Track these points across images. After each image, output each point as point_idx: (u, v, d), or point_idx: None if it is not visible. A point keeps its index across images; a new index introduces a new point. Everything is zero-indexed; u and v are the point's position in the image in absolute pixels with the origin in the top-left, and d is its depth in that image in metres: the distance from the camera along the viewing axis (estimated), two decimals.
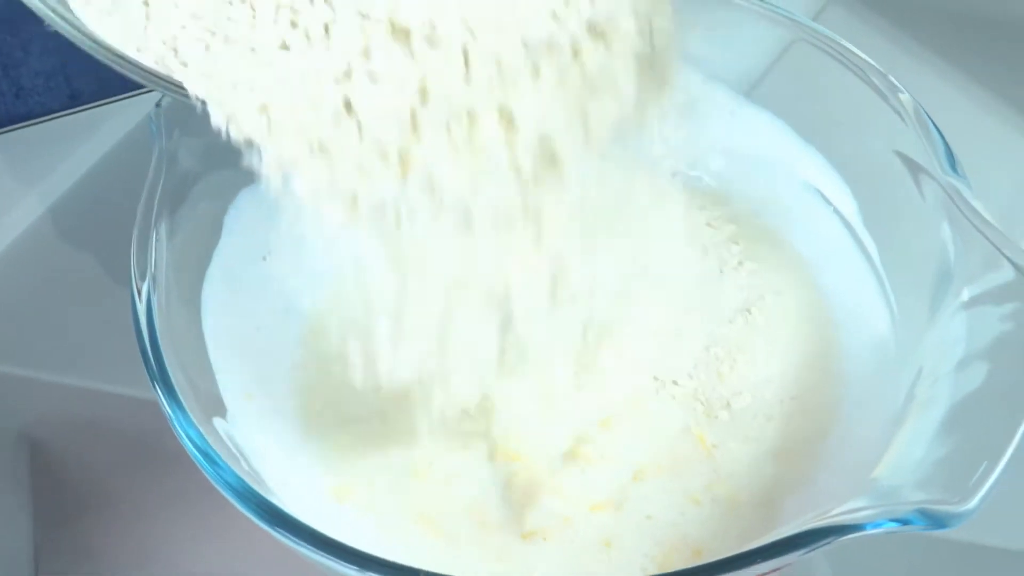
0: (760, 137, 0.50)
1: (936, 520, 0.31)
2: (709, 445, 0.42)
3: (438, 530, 0.40)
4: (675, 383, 0.44)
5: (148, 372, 0.36)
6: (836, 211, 0.47)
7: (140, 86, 0.61)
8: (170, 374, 0.36)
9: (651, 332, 0.44)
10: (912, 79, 0.45)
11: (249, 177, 0.46)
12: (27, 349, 0.53)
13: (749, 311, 0.46)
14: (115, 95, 0.63)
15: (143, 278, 0.38)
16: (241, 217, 0.45)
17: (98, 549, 0.47)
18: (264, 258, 0.46)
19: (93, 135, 0.62)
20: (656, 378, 0.44)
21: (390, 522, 0.40)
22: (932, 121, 0.42)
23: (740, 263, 0.47)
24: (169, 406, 0.36)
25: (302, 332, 0.46)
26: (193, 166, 0.44)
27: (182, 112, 0.44)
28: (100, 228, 0.58)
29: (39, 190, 0.60)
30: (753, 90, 0.51)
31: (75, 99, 0.64)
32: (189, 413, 0.36)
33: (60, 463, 0.49)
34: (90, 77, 0.63)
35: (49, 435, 0.50)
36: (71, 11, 0.35)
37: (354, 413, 0.43)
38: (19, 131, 0.63)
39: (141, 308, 0.37)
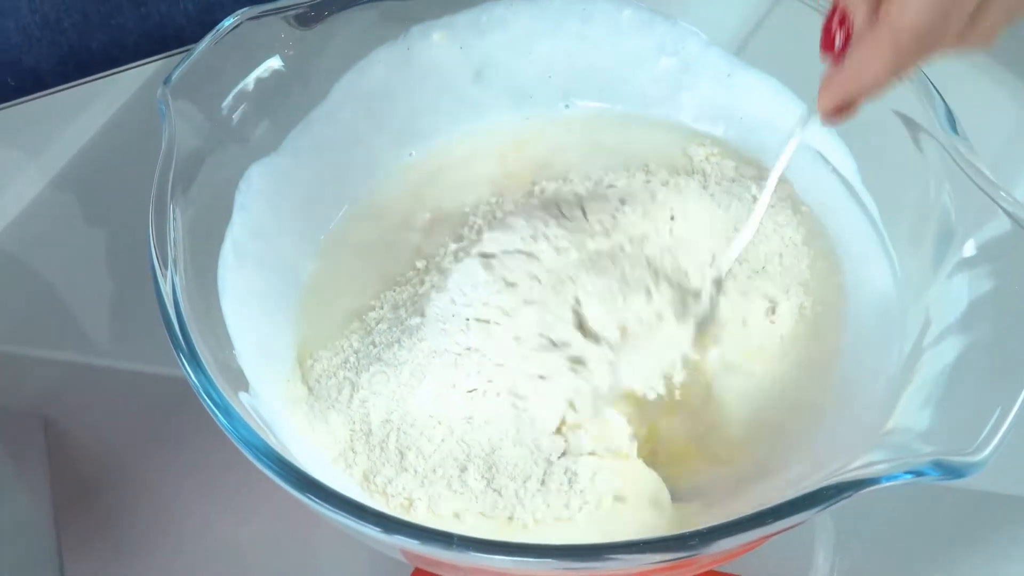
0: (757, 98, 0.50)
1: (951, 470, 0.32)
2: (731, 396, 0.43)
3: None
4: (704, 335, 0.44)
5: (177, 352, 0.37)
6: (835, 170, 0.47)
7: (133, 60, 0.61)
8: (199, 352, 0.37)
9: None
10: None
11: (257, 151, 0.47)
12: (37, 328, 0.54)
13: (773, 261, 0.46)
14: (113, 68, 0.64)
15: (164, 259, 0.39)
16: (251, 192, 0.46)
17: (116, 523, 0.48)
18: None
19: (89, 108, 0.61)
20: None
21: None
22: (931, 81, 0.42)
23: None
24: (199, 382, 0.36)
25: (305, 306, 0.47)
26: (202, 144, 0.44)
27: (191, 85, 0.44)
28: (103, 201, 0.58)
29: (39, 164, 0.60)
30: (743, 49, 0.51)
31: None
32: (220, 388, 0.36)
33: (76, 440, 0.50)
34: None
35: (62, 413, 0.51)
36: None
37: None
38: (17, 107, 0.62)
39: (166, 289, 0.37)
